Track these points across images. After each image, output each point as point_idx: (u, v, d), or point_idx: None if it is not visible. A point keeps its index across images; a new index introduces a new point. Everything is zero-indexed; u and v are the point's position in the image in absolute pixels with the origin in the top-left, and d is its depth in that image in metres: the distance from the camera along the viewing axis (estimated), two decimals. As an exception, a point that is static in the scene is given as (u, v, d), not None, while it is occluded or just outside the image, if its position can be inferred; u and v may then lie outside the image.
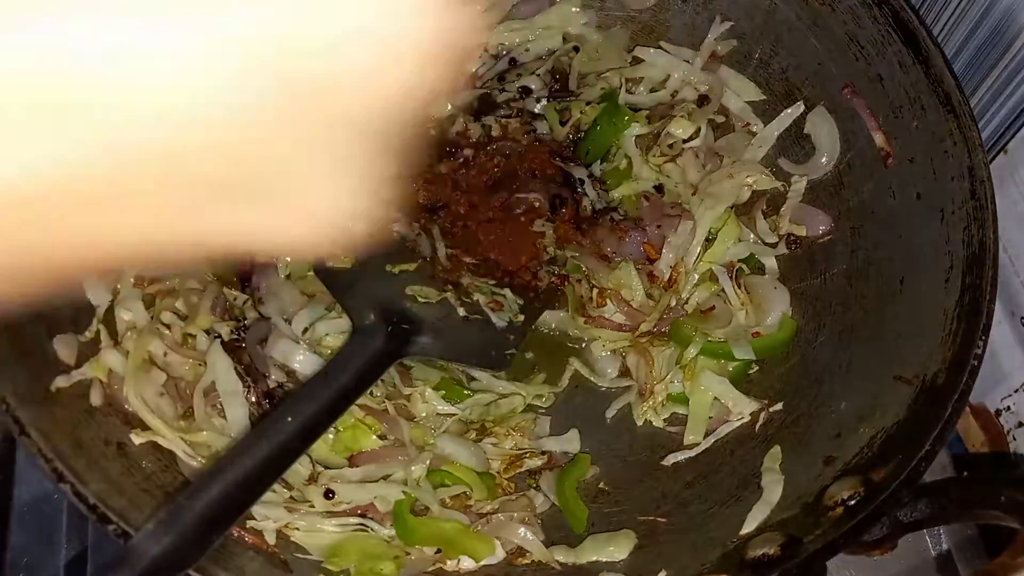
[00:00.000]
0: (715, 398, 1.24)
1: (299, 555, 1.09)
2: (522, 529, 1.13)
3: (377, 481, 1.14)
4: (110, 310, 1.19)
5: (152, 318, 1.19)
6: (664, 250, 1.29)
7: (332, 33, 0.43)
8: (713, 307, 1.28)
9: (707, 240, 1.31)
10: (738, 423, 1.23)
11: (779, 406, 1.22)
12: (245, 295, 1.24)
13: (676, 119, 1.36)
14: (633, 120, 1.35)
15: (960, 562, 1.29)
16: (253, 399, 1.16)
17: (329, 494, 1.11)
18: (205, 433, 1.12)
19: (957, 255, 1.12)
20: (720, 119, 1.40)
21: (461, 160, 1.35)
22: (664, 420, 1.25)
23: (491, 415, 1.23)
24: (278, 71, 0.43)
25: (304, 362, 1.18)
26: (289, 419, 1.02)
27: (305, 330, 1.20)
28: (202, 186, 0.45)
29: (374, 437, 1.16)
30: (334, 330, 1.20)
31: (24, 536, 1.26)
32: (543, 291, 1.28)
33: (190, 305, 1.21)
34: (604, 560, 1.13)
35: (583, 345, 1.30)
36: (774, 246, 1.33)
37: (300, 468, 1.13)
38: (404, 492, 1.12)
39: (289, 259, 1.23)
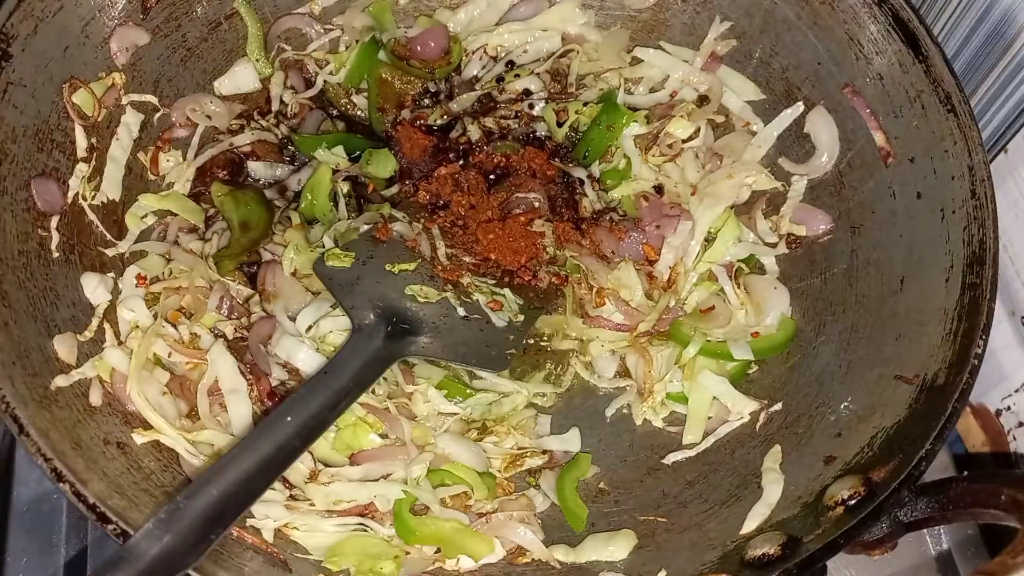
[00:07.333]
0: (714, 398, 1.24)
1: (299, 554, 1.09)
2: (522, 528, 1.14)
3: (377, 480, 1.14)
4: (111, 308, 1.19)
5: (156, 317, 1.19)
6: (663, 251, 1.29)
7: None
8: (712, 307, 1.28)
9: (707, 240, 1.31)
10: (738, 423, 1.23)
11: (779, 406, 1.22)
12: (251, 292, 1.24)
13: (675, 119, 1.36)
14: (632, 120, 1.35)
15: (960, 561, 1.29)
16: (256, 397, 1.16)
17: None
18: (207, 431, 1.13)
19: (957, 255, 1.12)
20: (720, 119, 1.40)
21: (461, 161, 1.35)
22: (663, 420, 1.25)
23: (492, 414, 1.23)
24: None
25: (307, 360, 1.18)
26: (289, 418, 1.02)
27: (309, 328, 1.20)
28: None
29: (375, 436, 1.17)
30: (338, 327, 1.20)
31: (24, 536, 1.26)
32: (543, 291, 1.29)
33: (196, 303, 1.22)
34: (604, 560, 1.13)
35: (583, 345, 1.30)
36: (774, 246, 1.33)
37: (301, 466, 1.13)
38: (404, 491, 1.12)
39: (294, 256, 1.23)
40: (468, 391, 1.22)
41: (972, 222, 1.12)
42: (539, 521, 1.17)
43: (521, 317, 1.25)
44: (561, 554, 1.13)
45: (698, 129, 1.37)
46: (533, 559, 1.13)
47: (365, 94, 1.42)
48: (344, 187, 1.32)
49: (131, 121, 1.31)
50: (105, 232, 1.25)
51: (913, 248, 1.18)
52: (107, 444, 1.06)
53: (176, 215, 1.31)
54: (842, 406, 1.16)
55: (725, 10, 1.38)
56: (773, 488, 1.11)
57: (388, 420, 1.16)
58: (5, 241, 1.10)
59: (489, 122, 1.38)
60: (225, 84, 1.40)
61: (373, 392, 1.17)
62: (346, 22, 1.43)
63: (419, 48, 1.41)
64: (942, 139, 1.17)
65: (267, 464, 0.99)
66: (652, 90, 1.43)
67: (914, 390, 1.08)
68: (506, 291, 1.26)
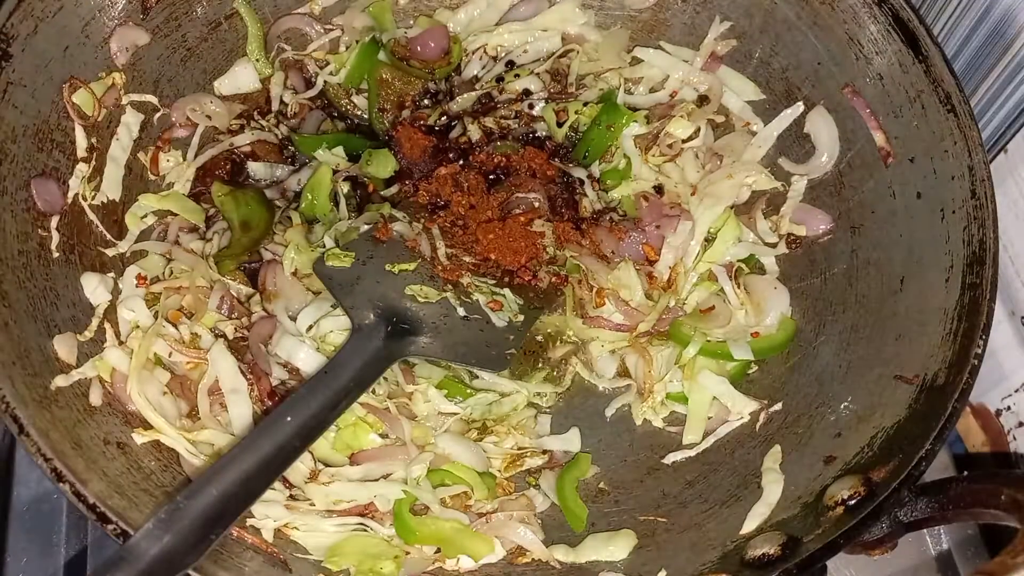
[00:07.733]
0: (714, 398, 1.24)
1: (299, 554, 1.09)
2: (522, 528, 1.14)
3: (377, 480, 1.14)
4: (111, 308, 1.19)
5: (156, 317, 1.19)
6: (663, 251, 1.29)
7: None
8: (712, 307, 1.28)
9: (707, 240, 1.31)
10: (737, 423, 1.23)
11: (779, 406, 1.22)
12: (252, 291, 1.24)
13: (675, 119, 1.36)
14: (632, 120, 1.35)
15: (960, 561, 1.29)
16: (256, 397, 1.16)
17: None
18: (207, 431, 1.13)
19: (957, 254, 1.12)
20: (720, 119, 1.40)
21: (461, 161, 1.35)
22: (663, 420, 1.25)
23: (492, 413, 1.23)
24: None
25: (307, 360, 1.18)
26: (289, 418, 1.02)
27: (309, 327, 1.20)
28: None
29: (375, 436, 1.17)
30: (338, 327, 1.20)
31: (24, 536, 1.26)
32: (543, 291, 1.29)
33: (197, 303, 1.22)
34: (604, 560, 1.13)
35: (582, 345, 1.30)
36: (774, 246, 1.33)
37: (301, 466, 1.13)
38: (404, 491, 1.12)
39: (294, 256, 1.23)
40: (468, 391, 1.22)
41: (972, 222, 1.12)
42: (539, 521, 1.17)
43: (521, 317, 1.25)
44: (561, 554, 1.13)
45: (698, 129, 1.37)
46: (533, 559, 1.13)
47: (365, 94, 1.42)
48: (344, 187, 1.32)
49: (131, 121, 1.31)
50: (105, 232, 1.25)
51: (913, 248, 1.18)
52: (107, 444, 1.06)
53: (176, 215, 1.31)
54: (842, 406, 1.15)
55: (725, 10, 1.38)
56: (773, 488, 1.11)
57: (388, 420, 1.16)
58: (5, 241, 1.10)
59: (489, 122, 1.38)
60: (225, 84, 1.40)
61: (373, 392, 1.17)
62: (346, 22, 1.43)
63: (419, 48, 1.41)
64: (942, 139, 1.17)
65: (267, 464, 0.99)
66: (652, 90, 1.43)
67: (914, 390, 1.08)
68: (506, 291, 1.26)
